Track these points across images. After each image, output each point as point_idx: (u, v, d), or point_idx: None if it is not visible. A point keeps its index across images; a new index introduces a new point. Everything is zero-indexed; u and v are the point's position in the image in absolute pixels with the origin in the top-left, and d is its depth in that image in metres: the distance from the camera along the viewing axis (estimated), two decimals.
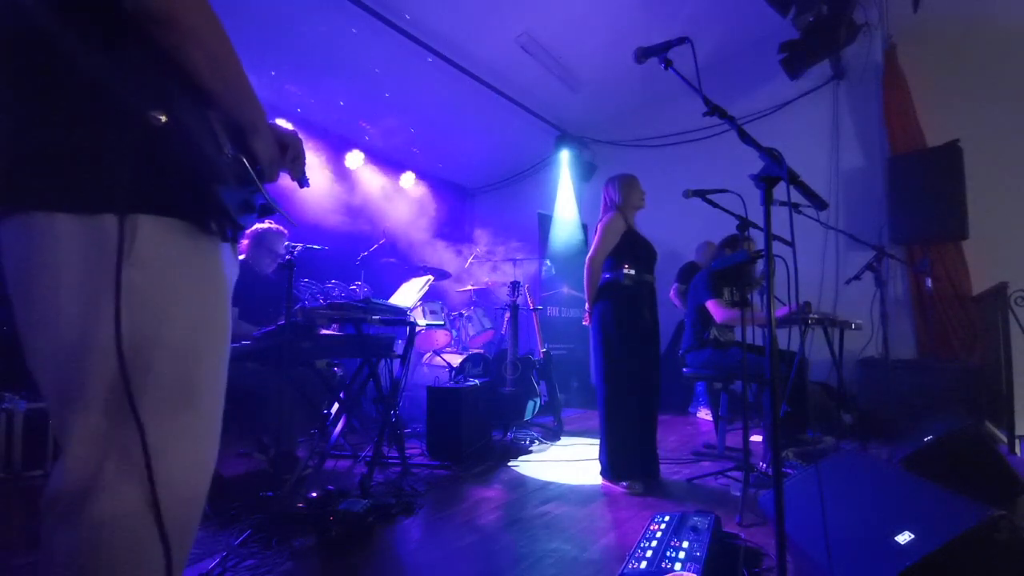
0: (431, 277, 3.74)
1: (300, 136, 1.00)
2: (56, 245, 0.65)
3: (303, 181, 1.06)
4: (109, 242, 0.65)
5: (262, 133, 0.86)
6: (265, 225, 2.98)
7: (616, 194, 2.73)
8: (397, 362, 2.99)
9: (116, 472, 0.65)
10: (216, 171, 0.74)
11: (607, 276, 2.66)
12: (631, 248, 2.64)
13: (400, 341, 3.57)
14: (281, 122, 0.99)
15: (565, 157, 5.86)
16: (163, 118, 0.66)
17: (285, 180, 1.02)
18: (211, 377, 0.78)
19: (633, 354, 2.55)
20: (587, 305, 2.72)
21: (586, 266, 2.67)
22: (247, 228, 0.87)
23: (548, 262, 5.69)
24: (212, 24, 0.72)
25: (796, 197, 1.18)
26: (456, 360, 4.03)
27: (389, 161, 5.56)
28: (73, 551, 0.64)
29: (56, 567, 0.65)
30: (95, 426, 0.65)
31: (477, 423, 3.20)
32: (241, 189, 0.82)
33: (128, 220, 0.66)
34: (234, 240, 0.87)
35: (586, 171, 6.07)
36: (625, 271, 2.60)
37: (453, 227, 5.76)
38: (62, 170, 0.65)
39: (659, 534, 1.56)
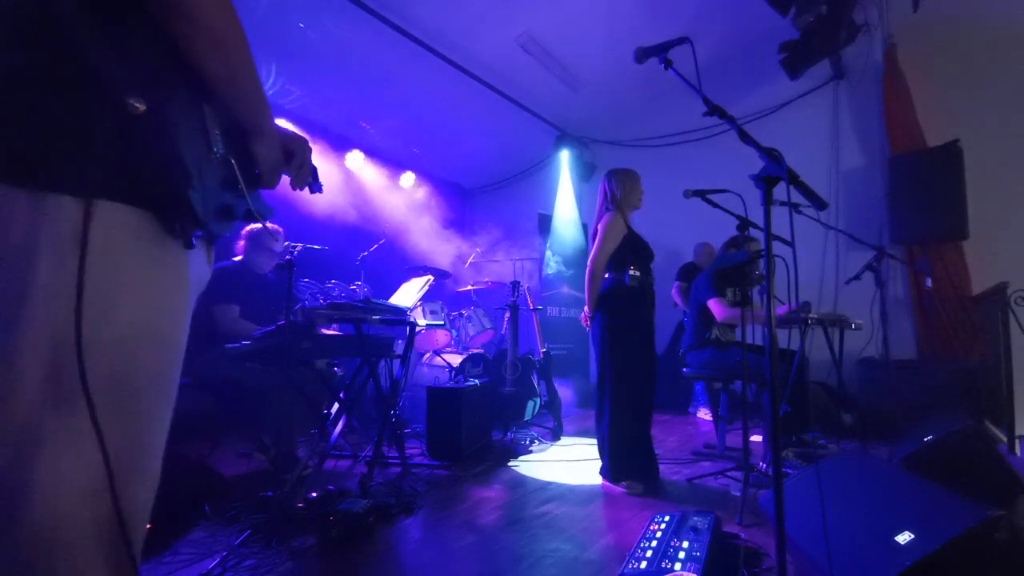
0: (431, 277, 3.74)
1: (309, 142, 0.94)
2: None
3: (315, 187, 1.02)
4: (61, 225, 0.60)
5: (266, 137, 0.82)
6: (259, 225, 2.97)
7: (618, 189, 2.66)
8: (397, 362, 2.99)
9: (49, 479, 0.59)
10: (189, 172, 0.69)
11: (610, 278, 2.61)
12: (634, 249, 2.60)
13: (400, 341, 3.57)
14: (282, 123, 0.95)
15: (565, 157, 5.86)
16: (141, 107, 0.62)
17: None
18: (153, 386, 0.70)
19: (635, 355, 2.55)
20: (587, 308, 2.67)
21: (588, 269, 2.62)
22: (222, 234, 0.81)
23: (551, 255, 5.68)
24: (229, 19, 0.69)
25: (796, 197, 1.18)
26: (456, 360, 4.02)
27: (389, 161, 5.56)
28: (9, 559, 0.58)
29: None
30: (20, 427, 0.59)
31: (477, 423, 3.20)
32: (223, 193, 0.78)
33: (91, 205, 0.61)
34: (209, 244, 0.83)
35: (586, 171, 6.08)
36: (631, 273, 2.55)
37: (453, 227, 5.76)
38: (16, 140, 0.60)
39: (659, 534, 1.56)
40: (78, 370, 0.59)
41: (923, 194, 3.88)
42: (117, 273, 0.65)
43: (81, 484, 0.61)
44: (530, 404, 3.67)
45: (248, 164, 0.82)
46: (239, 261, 2.90)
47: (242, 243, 2.94)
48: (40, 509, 0.59)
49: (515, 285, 3.91)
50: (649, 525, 1.65)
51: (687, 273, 4.48)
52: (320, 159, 4.74)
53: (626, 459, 2.52)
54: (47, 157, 0.61)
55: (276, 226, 3.03)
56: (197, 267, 0.79)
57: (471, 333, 4.48)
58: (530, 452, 3.31)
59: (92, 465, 0.61)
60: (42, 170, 0.61)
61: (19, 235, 0.60)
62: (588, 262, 2.63)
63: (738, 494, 2.26)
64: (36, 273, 0.60)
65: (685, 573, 1.35)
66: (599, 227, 2.65)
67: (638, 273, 2.56)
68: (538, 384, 3.80)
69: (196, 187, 0.70)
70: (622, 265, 2.58)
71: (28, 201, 0.60)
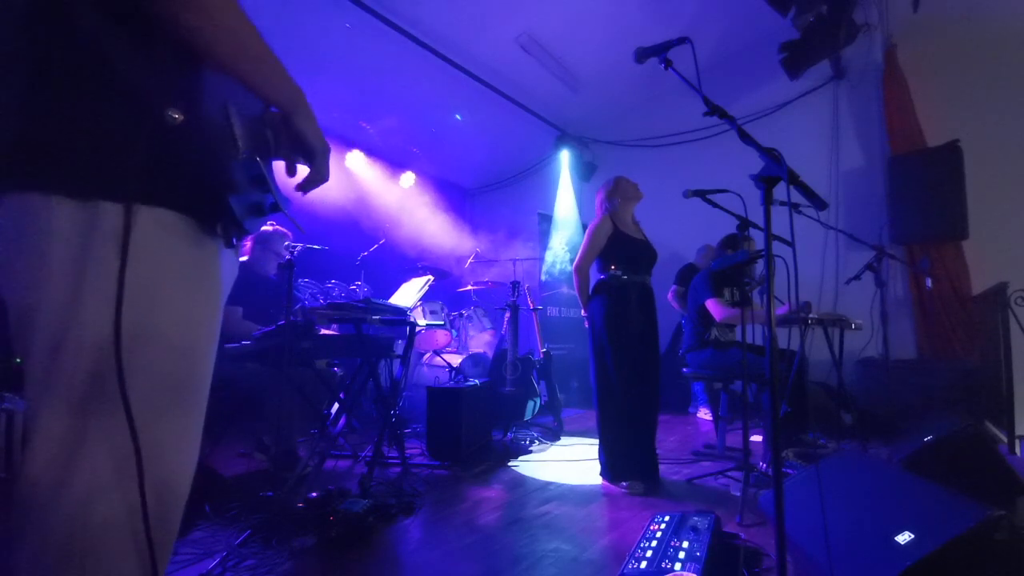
0: (431, 277, 3.74)
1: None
2: (48, 228, 0.62)
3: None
4: (106, 230, 0.63)
5: (305, 111, 0.81)
6: (269, 227, 2.98)
7: (604, 196, 2.77)
8: (397, 362, 2.99)
9: (92, 475, 0.61)
10: (228, 178, 0.72)
11: (599, 278, 2.70)
12: (619, 249, 2.65)
13: (400, 341, 3.57)
14: None
15: (565, 157, 5.87)
16: (179, 117, 0.64)
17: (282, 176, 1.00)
18: (199, 378, 0.74)
19: (624, 354, 2.55)
20: (583, 311, 2.78)
21: (573, 273, 2.74)
22: (253, 232, 0.85)
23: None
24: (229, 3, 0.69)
25: (796, 197, 1.17)
26: (456, 360, 4.03)
27: (389, 161, 5.56)
28: (39, 559, 0.60)
29: (22, 573, 0.60)
30: (70, 424, 0.61)
31: (477, 423, 3.20)
32: (253, 191, 0.79)
33: (132, 210, 0.64)
34: (237, 245, 0.85)
35: (586, 171, 6.08)
36: (612, 272, 2.64)
37: (453, 227, 5.77)
38: (66, 153, 0.63)
39: (659, 534, 1.56)
40: (116, 370, 0.61)
41: (923, 194, 3.88)
42: (157, 274, 0.67)
43: (113, 483, 0.63)
44: (530, 404, 3.67)
45: (297, 145, 0.83)
46: (244, 262, 2.90)
47: (249, 244, 2.94)
48: (72, 508, 0.61)
49: (515, 285, 3.91)
50: (649, 525, 1.65)
51: (685, 276, 4.47)
52: None
53: (625, 459, 2.52)
54: (93, 168, 0.63)
55: (285, 229, 3.04)
56: (228, 265, 0.81)
57: (471, 333, 4.48)
58: (530, 452, 3.31)
59: (125, 464, 0.63)
60: (89, 181, 0.63)
61: (67, 242, 0.62)
62: (573, 266, 2.75)
63: (738, 494, 2.26)
64: (83, 278, 0.63)
65: (685, 573, 1.35)
66: (586, 231, 2.77)
67: (619, 272, 2.63)
68: (538, 384, 3.80)
69: (234, 191, 0.73)
70: (606, 265, 2.67)
71: (74, 209, 0.63)
